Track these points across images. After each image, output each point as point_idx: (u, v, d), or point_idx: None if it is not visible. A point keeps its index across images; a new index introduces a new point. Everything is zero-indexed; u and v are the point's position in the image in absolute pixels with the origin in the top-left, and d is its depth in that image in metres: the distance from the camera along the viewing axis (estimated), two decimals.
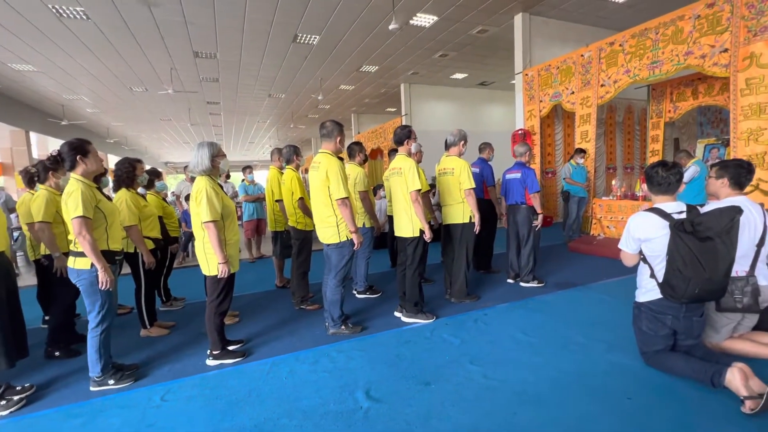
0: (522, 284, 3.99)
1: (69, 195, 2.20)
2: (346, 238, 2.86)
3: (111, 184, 3.52)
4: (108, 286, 2.25)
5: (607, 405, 1.93)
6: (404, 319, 3.21)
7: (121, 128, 16.21)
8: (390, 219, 3.98)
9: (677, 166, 2.08)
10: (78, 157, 2.26)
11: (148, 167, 3.63)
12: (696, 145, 7.76)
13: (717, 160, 4.91)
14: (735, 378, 1.81)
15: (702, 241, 1.86)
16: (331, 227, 2.86)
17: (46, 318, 3.52)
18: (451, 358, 2.52)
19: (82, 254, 2.22)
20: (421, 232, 3.10)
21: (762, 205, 2.27)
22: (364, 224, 3.80)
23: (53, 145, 13.46)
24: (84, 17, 6.30)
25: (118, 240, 2.46)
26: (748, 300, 2.12)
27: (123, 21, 6.50)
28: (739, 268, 2.13)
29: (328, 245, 2.95)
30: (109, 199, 2.60)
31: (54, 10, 6.03)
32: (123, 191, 3.11)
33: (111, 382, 2.36)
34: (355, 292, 3.99)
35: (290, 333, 3.10)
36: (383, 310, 3.50)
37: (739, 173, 2.24)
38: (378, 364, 2.48)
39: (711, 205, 2.16)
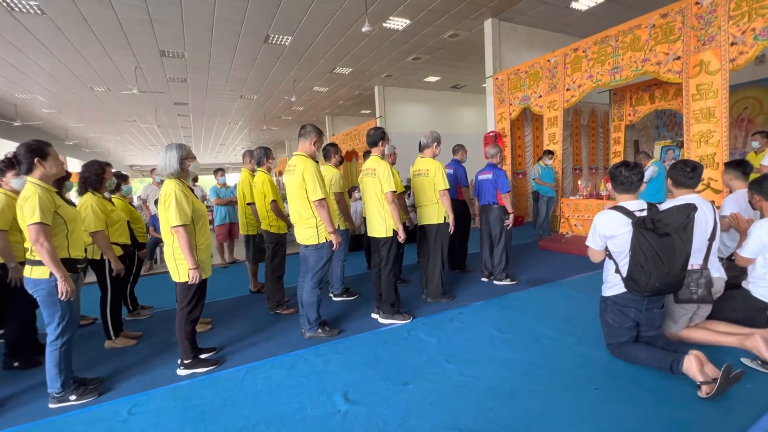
0: (495, 282, 4.09)
1: (25, 200, 2.07)
2: (325, 240, 2.84)
3: (75, 188, 3.33)
4: (68, 297, 2.13)
5: (576, 396, 2.01)
6: (381, 320, 3.22)
7: (82, 130, 15.36)
8: (366, 220, 3.99)
9: (639, 167, 2.20)
10: (36, 160, 2.13)
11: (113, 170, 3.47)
12: (654, 147, 8.24)
13: (672, 161, 5.23)
14: (691, 365, 1.93)
15: (661, 237, 1.98)
16: (310, 228, 2.84)
17: (1, 331, 3.29)
18: (429, 357, 2.55)
19: (39, 263, 2.09)
20: (395, 232, 3.12)
21: (713, 202, 2.44)
22: (339, 226, 3.78)
23: (5, 147, 12.58)
24: (38, 12, 5.93)
25: (80, 247, 2.33)
26: (702, 291, 2.26)
27: (81, 16, 6.17)
28: (694, 262, 2.27)
29: (307, 247, 2.92)
30: (72, 203, 2.46)
31: (5, 4, 5.64)
32: (88, 195, 2.95)
33: (72, 397, 2.23)
34: (331, 294, 3.96)
35: (266, 338, 3.04)
36: (360, 312, 3.49)
37: (681, 173, 2.37)
38: (356, 367, 2.47)
39: (669, 203, 2.30)
